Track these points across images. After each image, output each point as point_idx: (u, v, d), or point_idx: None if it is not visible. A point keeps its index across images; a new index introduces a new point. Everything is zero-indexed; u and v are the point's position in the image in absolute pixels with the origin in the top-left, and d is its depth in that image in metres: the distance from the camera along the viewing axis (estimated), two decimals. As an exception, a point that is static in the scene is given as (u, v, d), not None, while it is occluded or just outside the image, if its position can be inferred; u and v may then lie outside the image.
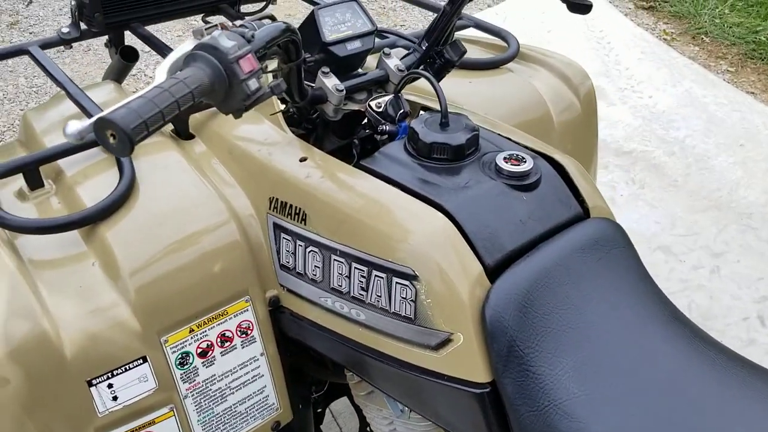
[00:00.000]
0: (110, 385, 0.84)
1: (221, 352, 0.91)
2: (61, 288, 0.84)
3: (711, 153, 2.78)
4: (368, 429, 1.25)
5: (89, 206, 0.89)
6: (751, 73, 3.34)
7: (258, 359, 0.95)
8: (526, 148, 0.93)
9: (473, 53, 1.33)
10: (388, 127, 0.95)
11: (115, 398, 0.84)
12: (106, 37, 1.29)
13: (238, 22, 0.75)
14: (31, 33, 3.32)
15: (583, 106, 1.33)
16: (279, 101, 1.00)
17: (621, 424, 0.71)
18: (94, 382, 0.83)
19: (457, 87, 1.21)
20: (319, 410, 1.43)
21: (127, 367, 0.84)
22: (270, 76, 0.89)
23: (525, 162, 0.86)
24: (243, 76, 0.68)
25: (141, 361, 0.85)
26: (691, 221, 2.46)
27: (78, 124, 0.67)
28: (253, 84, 0.69)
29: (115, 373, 0.84)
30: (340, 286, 0.86)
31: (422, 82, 1.07)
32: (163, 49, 1.23)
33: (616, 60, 3.35)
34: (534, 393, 0.74)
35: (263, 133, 1.00)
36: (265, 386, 0.96)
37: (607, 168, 2.70)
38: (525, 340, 0.75)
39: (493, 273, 0.78)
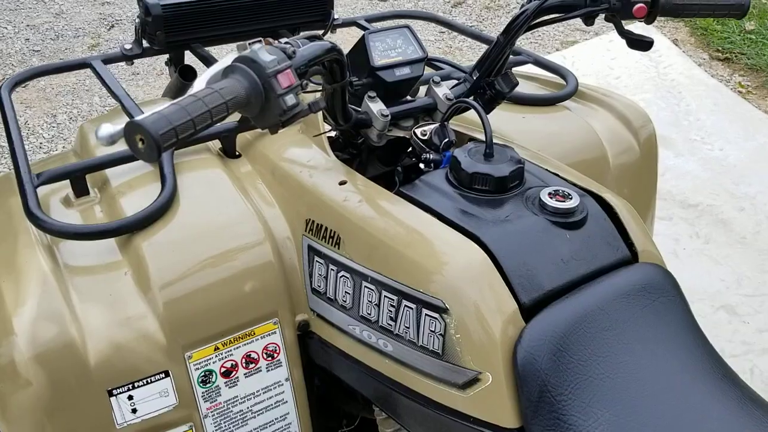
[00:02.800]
0: (130, 397, 0.83)
1: (245, 374, 0.89)
2: (92, 295, 0.84)
3: (785, 211, 2.64)
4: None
5: (128, 215, 0.89)
6: (833, 130, 3.17)
7: (283, 384, 0.92)
8: (574, 185, 0.88)
9: (530, 89, 1.30)
10: (432, 156, 0.93)
11: (134, 411, 0.83)
12: (167, 55, 1.32)
13: (283, 40, 0.74)
14: (110, 56, 3.47)
15: (642, 150, 1.28)
16: (325, 123, 0.99)
17: (657, 488, 0.65)
18: (114, 392, 0.82)
19: (510, 121, 1.18)
20: (350, 446, 1.39)
21: (149, 380, 0.83)
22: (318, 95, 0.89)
23: (571, 199, 0.82)
24: (280, 91, 0.67)
25: (163, 375, 0.84)
26: (759, 281, 2.32)
27: (110, 128, 0.67)
28: (290, 99, 0.68)
29: (136, 385, 0.83)
30: (369, 314, 0.83)
31: (472, 114, 1.05)
32: None
33: (686, 110, 3.25)
34: (564, 444, 0.69)
35: (307, 156, 0.99)
36: (288, 413, 0.94)
37: (671, 220, 2.59)
38: (558, 385, 0.70)
39: (529, 312, 0.74)
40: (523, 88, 1.28)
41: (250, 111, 0.69)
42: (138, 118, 0.61)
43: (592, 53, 3.65)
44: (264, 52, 0.68)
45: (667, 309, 0.78)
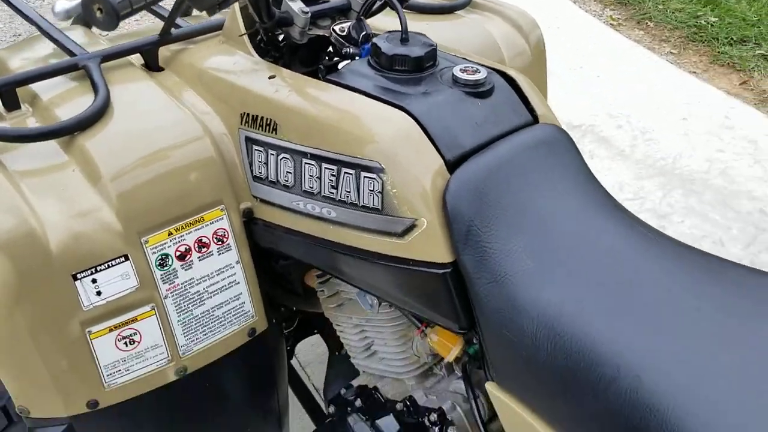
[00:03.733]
0: (94, 281, 0.88)
1: (199, 257, 0.97)
2: (46, 192, 0.89)
3: (656, 127, 2.92)
4: (338, 353, 1.31)
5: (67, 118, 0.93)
6: (693, 54, 3.51)
7: (234, 267, 1.00)
8: (480, 64, 1.00)
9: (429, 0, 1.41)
10: (351, 50, 1.02)
11: (98, 293, 0.89)
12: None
13: None
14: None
15: (533, 54, 1.42)
16: (245, 25, 1.06)
17: (568, 290, 0.79)
18: (78, 276, 0.87)
19: (415, 29, 1.28)
20: (289, 348, 1.49)
21: (109, 264, 0.89)
22: None
23: (479, 72, 0.94)
24: None
25: (123, 259, 0.90)
26: (637, 187, 2.59)
27: (66, 3, 0.72)
28: None
29: (98, 269, 0.88)
30: (312, 187, 0.92)
31: (379, 24, 1.15)
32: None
33: (565, 43, 3.49)
34: (491, 266, 0.81)
35: (232, 60, 1.06)
36: (241, 293, 1.02)
37: (558, 140, 2.82)
38: (481, 221, 0.83)
39: (453, 166, 0.86)
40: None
41: None
42: None
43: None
44: None
45: (565, 157, 0.92)
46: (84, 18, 0.69)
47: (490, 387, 0.86)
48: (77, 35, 1.19)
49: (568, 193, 0.88)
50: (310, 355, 1.88)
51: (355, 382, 1.17)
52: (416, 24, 1.32)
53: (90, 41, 1.17)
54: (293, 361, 1.85)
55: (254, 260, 1.04)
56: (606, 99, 3.08)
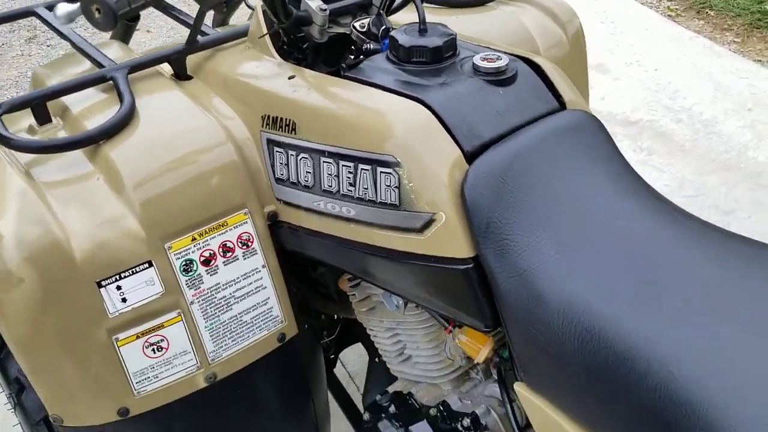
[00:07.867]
0: (119, 287, 0.89)
1: (224, 262, 0.96)
2: (70, 201, 0.90)
3: (719, 119, 2.79)
4: (376, 359, 1.29)
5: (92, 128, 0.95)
6: (758, 42, 3.34)
7: (260, 271, 0.99)
8: (504, 52, 0.97)
9: (459, -4, 1.38)
10: (372, 45, 1.00)
11: (124, 300, 0.89)
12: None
13: None
14: (48, 45, 3.45)
15: (571, 43, 1.36)
16: (265, 26, 1.05)
17: (595, 282, 0.74)
18: (103, 283, 0.88)
19: (444, 23, 1.25)
20: (332, 356, 1.47)
21: (133, 270, 0.90)
22: None
23: (501, 59, 0.90)
24: None
25: (147, 265, 0.90)
26: (699, 183, 2.47)
27: (67, 6, 0.72)
28: None
29: (122, 275, 0.89)
30: (330, 186, 0.90)
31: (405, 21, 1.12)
32: (167, 8, 1.30)
33: (620, 37, 3.38)
34: (513, 260, 0.77)
35: (255, 63, 1.05)
36: (269, 298, 1.01)
37: (615, 137, 2.71)
38: (502, 213, 0.79)
39: (472, 158, 0.82)
40: (452, -6, 1.36)
41: None
42: None
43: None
44: None
45: (594, 144, 0.87)
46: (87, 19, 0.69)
47: (519, 388, 0.82)
48: (112, 51, 1.21)
49: (597, 181, 0.83)
50: (357, 365, 1.86)
51: (391, 388, 1.14)
52: (445, 18, 1.29)
53: (125, 55, 1.20)
54: (342, 371, 1.84)
55: (287, 265, 1.02)
56: (665, 93, 2.96)
